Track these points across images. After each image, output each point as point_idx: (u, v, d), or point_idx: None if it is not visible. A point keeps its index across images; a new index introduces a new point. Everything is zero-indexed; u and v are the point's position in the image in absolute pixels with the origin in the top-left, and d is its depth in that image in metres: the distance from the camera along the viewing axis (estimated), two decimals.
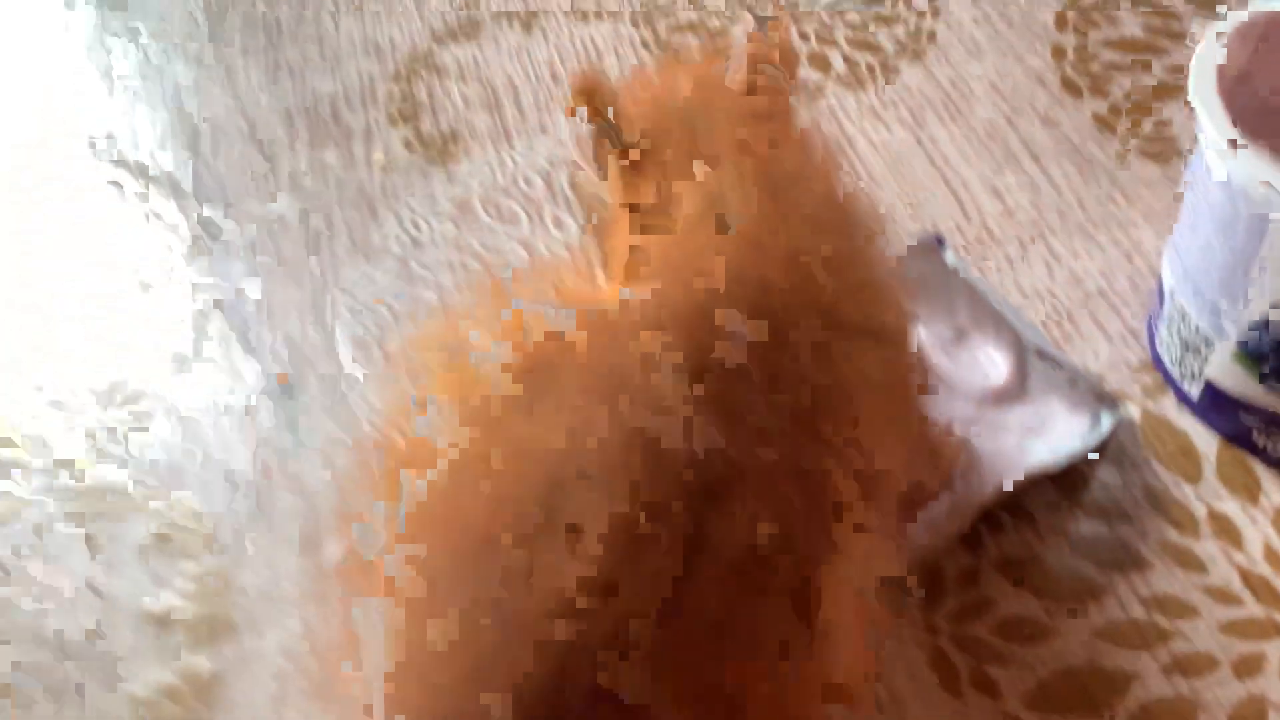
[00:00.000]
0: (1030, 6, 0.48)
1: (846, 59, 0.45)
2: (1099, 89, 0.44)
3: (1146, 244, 0.39)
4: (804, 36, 0.46)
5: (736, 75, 0.28)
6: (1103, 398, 0.33)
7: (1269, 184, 0.29)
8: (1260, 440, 0.33)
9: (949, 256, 0.37)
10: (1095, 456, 0.33)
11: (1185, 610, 0.30)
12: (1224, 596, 0.31)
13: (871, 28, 0.47)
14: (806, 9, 0.47)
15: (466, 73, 0.46)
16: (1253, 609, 0.30)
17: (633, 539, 0.21)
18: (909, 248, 0.37)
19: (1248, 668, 0.29)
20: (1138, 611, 0.30)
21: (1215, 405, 0.34)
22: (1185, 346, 0.34)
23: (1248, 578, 0.31)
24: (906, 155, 0.42)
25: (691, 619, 0.21)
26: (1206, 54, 0.32)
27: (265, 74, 0.47)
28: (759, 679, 0.22)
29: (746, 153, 0.26)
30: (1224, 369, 0.33)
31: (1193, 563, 0.31)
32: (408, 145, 0.44)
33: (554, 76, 0.46)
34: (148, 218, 0.42)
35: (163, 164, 0.44)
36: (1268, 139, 0.30)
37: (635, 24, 0.47)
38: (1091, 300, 0.38)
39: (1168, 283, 0.34)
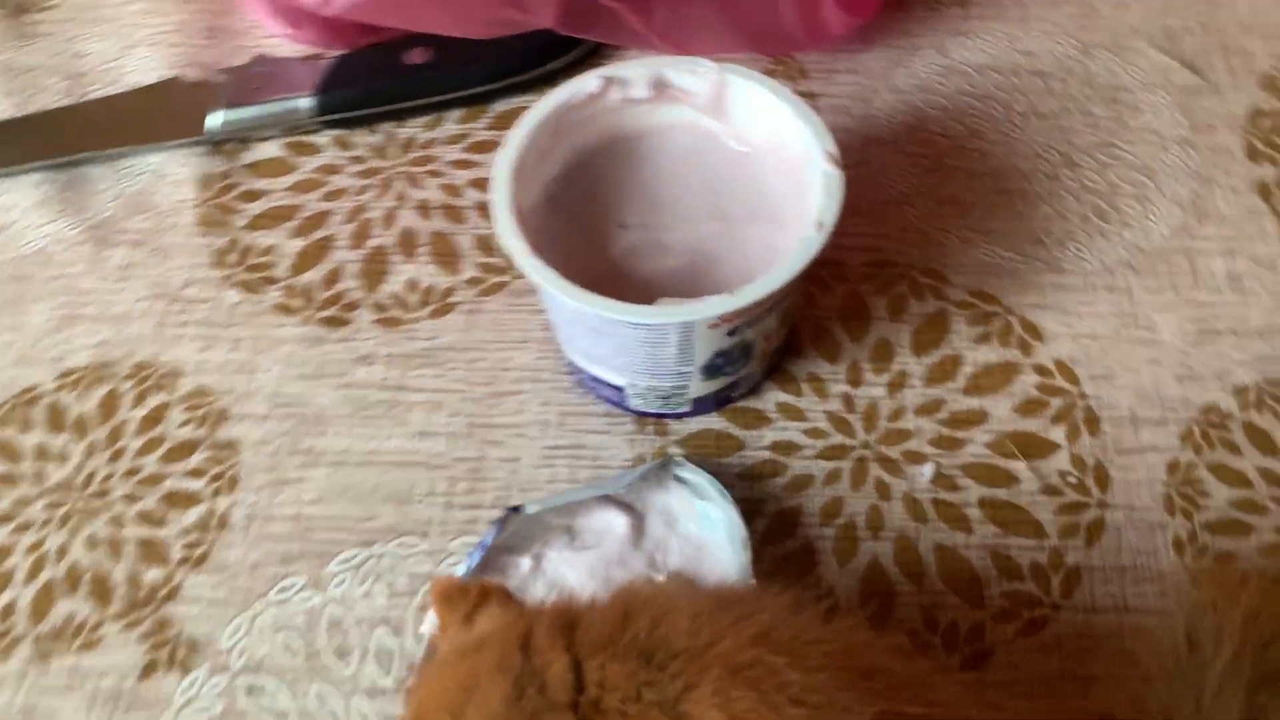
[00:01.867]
0: None
1: None
2: None
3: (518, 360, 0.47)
4: None
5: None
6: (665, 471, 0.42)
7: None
8: (737, 395, 0.45)
9: (528, 508, 0.41)
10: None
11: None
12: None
13: None
14: None
15: None
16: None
17: None
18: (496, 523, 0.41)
19: (831, 479, 0.43)
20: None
21: (704, 403, 0.44)
22: (663, 398, 0.43)
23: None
24: None
25: None
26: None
27: None
28: None
29: None
30: (699, 389, 0.43)
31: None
32: None
33: None
34: None
35: None
36: None
37: None
38: (570, 420, 0.45)
39: (620, 377, 0.43)
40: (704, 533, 0.42)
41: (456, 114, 0.54)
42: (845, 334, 0.47)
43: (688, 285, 0.42)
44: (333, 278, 0.49)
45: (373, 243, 0.50)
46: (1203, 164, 0.51)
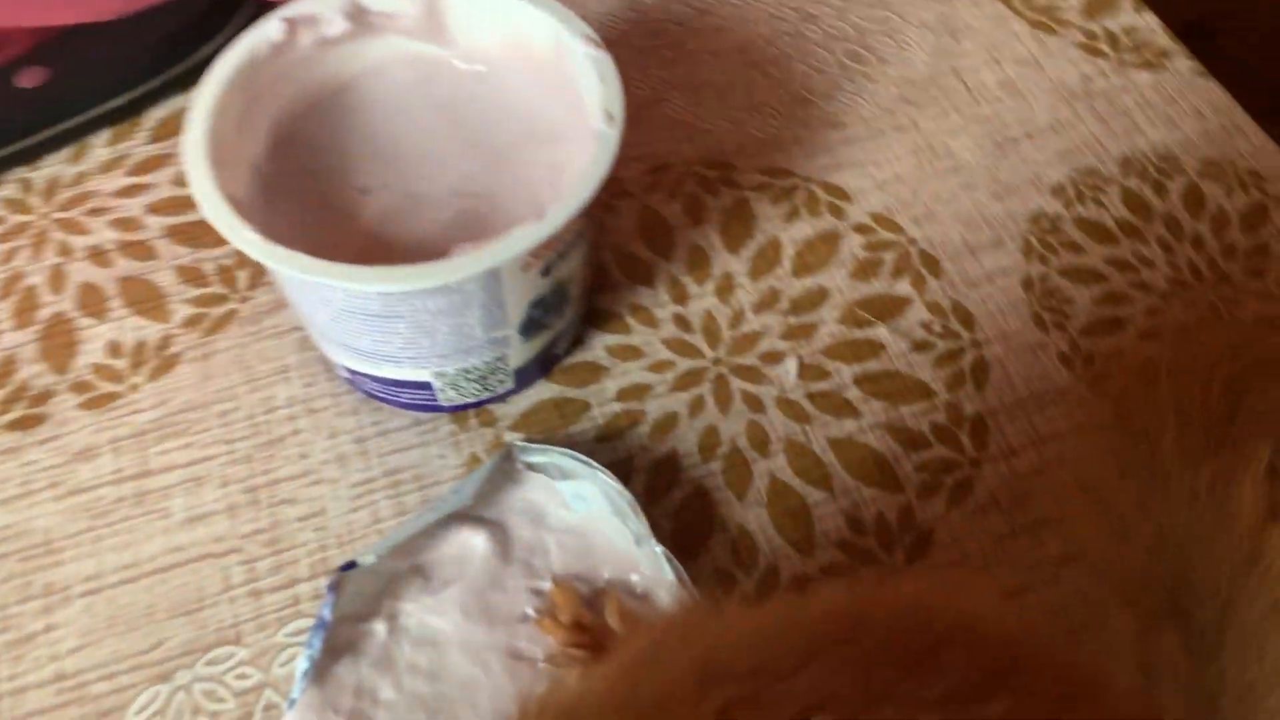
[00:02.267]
0: None
1: None
2: None
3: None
4: None
5: None
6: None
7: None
8: (559, 351, 0.38)
9: (362, 561, 0.32)
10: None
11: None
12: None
13: None
14: None
15: None
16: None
17: None
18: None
19: (695, 409, 0.37)
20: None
21: (529, 373, 0.37)
22: (482, 379, 0.35)
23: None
24: None
25: None
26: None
27: None
28: None
29: None
30: (520, 353, 0.35)
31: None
32: None
33: None
34: None
35: None
36: None
37: None
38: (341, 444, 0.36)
39: (423, 370, 0.34)
40: (581, 516, 0.34)
41: (103, 136, 0.43)
42: (651, 252, 0.41)
43: (465, 238, 0.35)
44: (6, 370, 0.38)
45: (44, 313, 0.39)
46: None
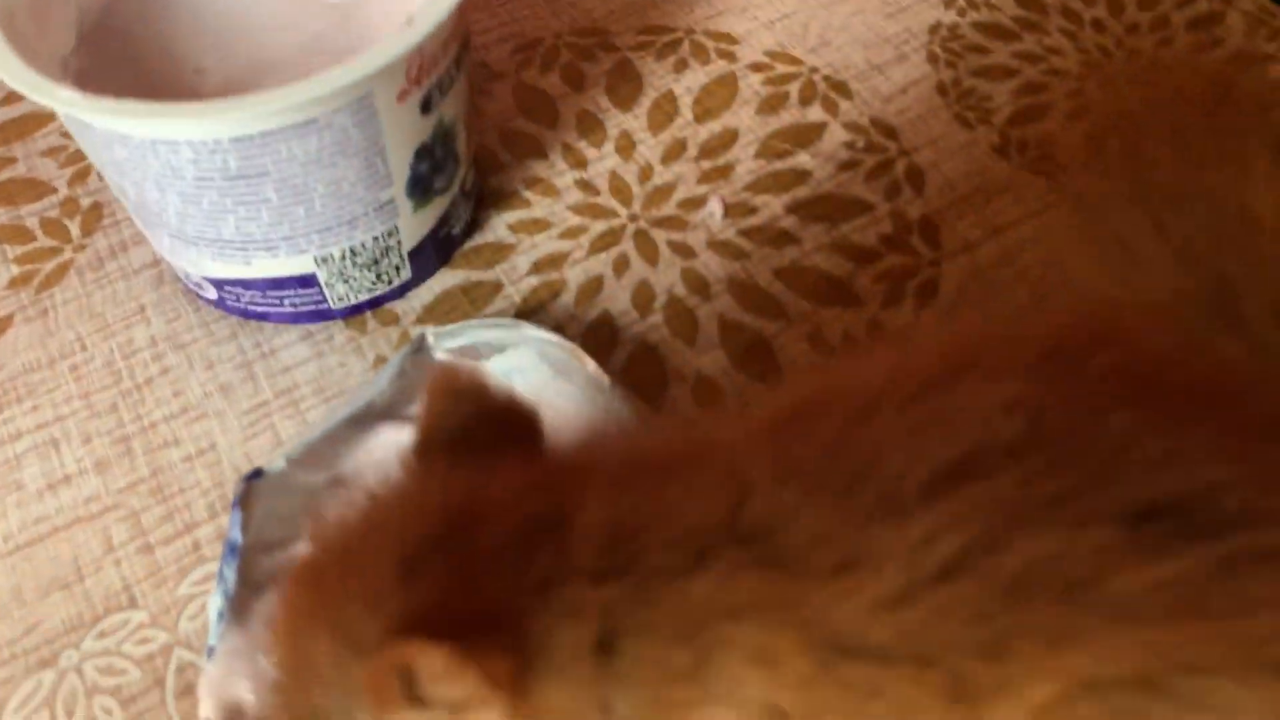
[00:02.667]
0: None
1: None
2: None
3: None
4: None
5: None
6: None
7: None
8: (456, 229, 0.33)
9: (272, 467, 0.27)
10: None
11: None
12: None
13: None
14: None
15: None
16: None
17: None
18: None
19: (620, 268, 0.33)
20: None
21: (425, 258, 0.32)
22: (373, 263, 0.31)
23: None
24: None
25: None
26: None
27: None
28: None
29: None
30: (412, 228, 0.31)
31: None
32: None
33: None
34: None
35: None
36: None
37: None
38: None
39: (303, 256, 0.29)
40: (521, 388, 0.30)
41: None
42: (536, 125, 0.37)
43: None
44: None
45: None
46: None
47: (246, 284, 0.30)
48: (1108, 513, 0.17)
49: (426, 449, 0.20)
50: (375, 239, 0.30)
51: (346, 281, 0.31)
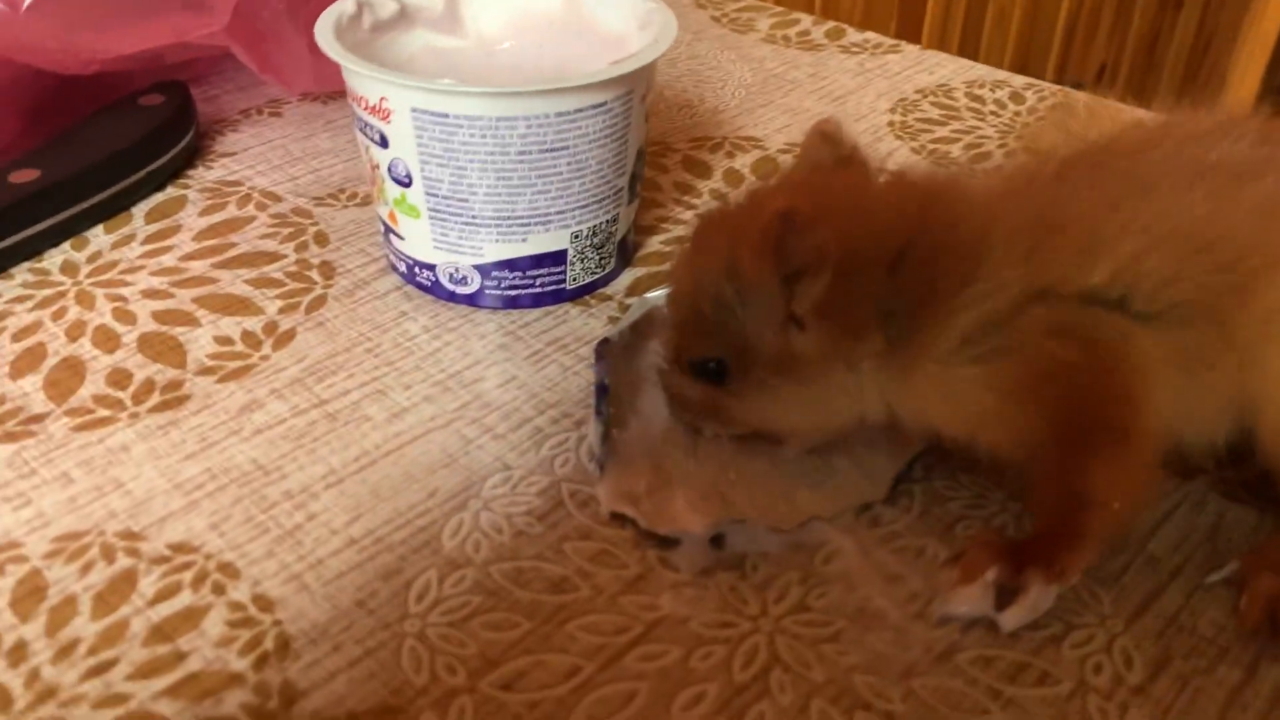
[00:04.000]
0: None
1: None
2: None
3: None
4: None
5: None
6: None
7: None
8: None
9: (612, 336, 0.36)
10: None
11: None
12: None
13: None
14: None
15: None
16: None
17: None
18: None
19: None
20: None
21: (624, 252, 0.42)
22: (600, 245, 0.40)
23: None
24: None
25: None
26: None
27: None
28: None
29: None
30: (624, 219, 0.41)
31: None
32: None
33: None
34: None
35: None
36: None
37: None
38: None
39: (562, 233, 0.38)
40: None
41: (99, 233, 0.44)
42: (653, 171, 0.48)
43: None
44: (120, 377, 0.36)
45: (130, 335, 0.38)
46: None
47: (513, 264, 0.39)
48: None
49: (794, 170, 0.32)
50: (606, 222, 0.40)
51: (583, 260, 0.40)
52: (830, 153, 0.33)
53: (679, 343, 0.32)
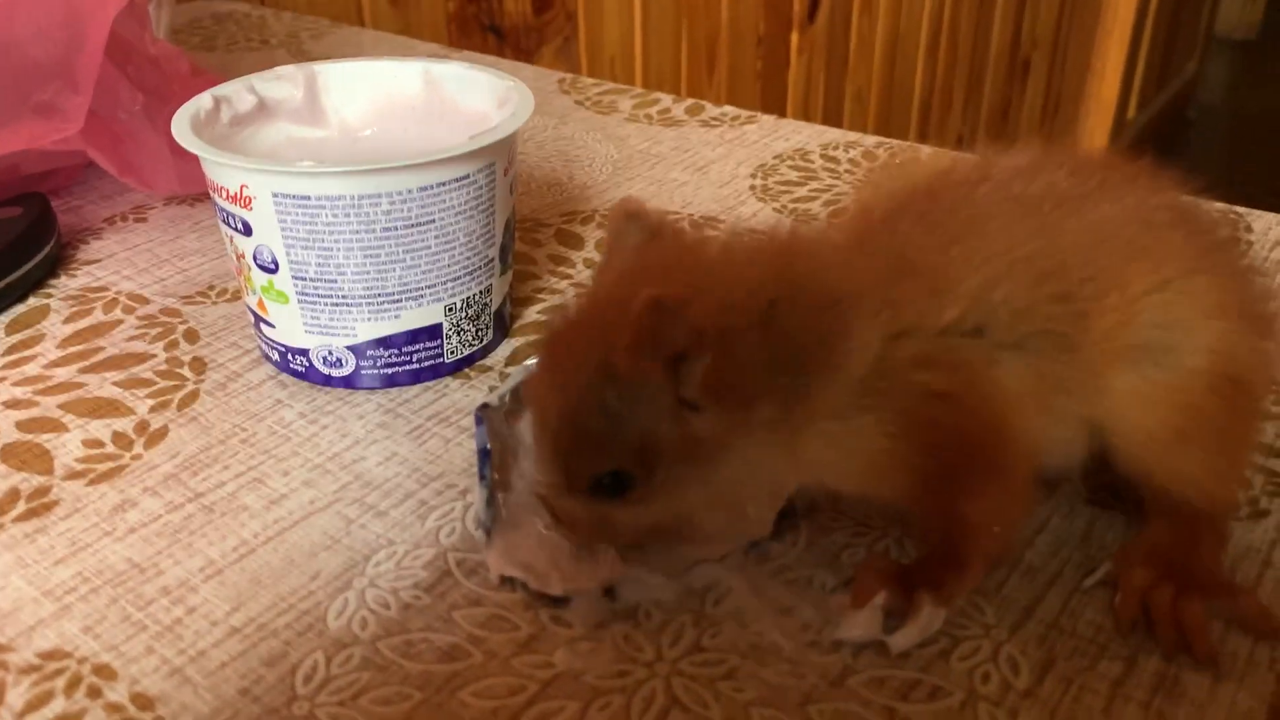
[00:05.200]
0: None
1: None
2: None
3: None
4: None
5: None
6: None
7: None
8: None
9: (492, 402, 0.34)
10: None
11: None
12: None
13: None
14: None
15: None
16: None
17: None
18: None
19: None
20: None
21: (500, 322, 0.42)
22: (476, 317, 0.40)
23: None
24: None
25: None
26: None
27: None
28: None
29: None
30: (497, 290, 0.41)
31: None
32: None
33: None
34: None
35: None
36: None
37: None
38: None
39: (433, 307, 0.38)
40: None
41: None
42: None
43: None
44: None
45: None
46: None
47: (388, 342, 0.39)
48: None
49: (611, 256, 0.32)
50: (480, 293, 0.40)
51: (459, 333, 0.40)
52: (638, 229, 0.32)
53: (569, 467, 0.30)
